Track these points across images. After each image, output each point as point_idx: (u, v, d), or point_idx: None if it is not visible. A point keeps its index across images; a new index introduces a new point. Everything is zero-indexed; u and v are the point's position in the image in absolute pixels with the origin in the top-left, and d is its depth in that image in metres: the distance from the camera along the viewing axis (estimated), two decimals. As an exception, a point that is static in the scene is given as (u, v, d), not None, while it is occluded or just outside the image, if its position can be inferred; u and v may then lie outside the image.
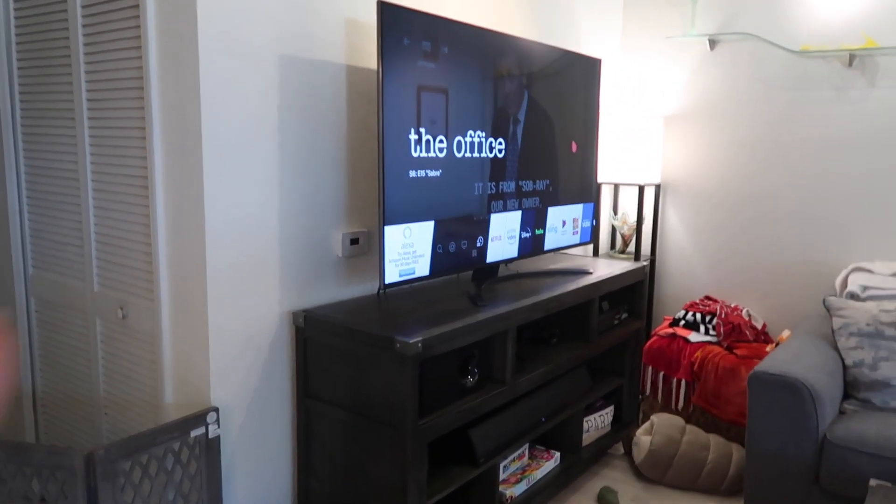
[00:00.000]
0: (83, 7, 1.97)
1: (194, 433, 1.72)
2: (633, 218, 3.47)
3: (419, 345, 1.72)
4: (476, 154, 2.18)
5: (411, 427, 1.74)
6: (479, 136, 2.18)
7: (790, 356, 2.35)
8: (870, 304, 2.47)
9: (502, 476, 2.31)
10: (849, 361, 2.40)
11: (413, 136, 1.94)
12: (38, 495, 1.57)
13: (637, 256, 3.36)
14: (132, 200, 1.94)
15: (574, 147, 2.67)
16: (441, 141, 2.04)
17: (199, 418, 1.74)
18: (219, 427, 1.79)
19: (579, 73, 2.64)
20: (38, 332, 2.37)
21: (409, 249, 1.96)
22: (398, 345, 1.71)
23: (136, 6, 1.81)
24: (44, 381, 2.38)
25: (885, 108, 2.84)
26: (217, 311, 1.79)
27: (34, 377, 2.41)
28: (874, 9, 2.80)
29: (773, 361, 2.31)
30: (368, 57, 2.12)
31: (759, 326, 3.12)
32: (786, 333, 2.96)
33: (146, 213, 1.90)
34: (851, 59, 2.86)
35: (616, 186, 3.56)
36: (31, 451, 1.52)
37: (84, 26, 1.98)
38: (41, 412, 2.42)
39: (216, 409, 1.78)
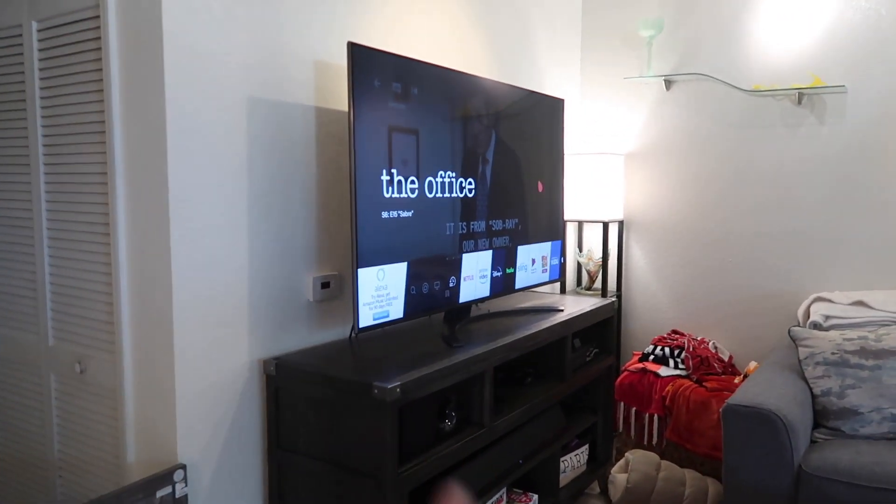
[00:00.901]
0: (40, 51, 1.91)
1: (160, 493, 1.62)
2: (598, 254, 3.50)
3: (398, 390, 1.66)
4: (447, 194, 2.17)
5: (391, 477, 1.68)
6: (449, 176, 2.17)
7: (761, 388, 2.37)
8: (833, 334, 2.52)
9: (482, 523, 2.24)
10: (817, 391, 2.43)
11: (385, 177, 1.92)
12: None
13: (604, 293, 3.38)
14: (92, 248, 1.85)
15: (541, 186, 2.69)
16: (413, 181, 2.02)
17: (166, 477, 1.64)
18: (186, 486, 1.69)
19: (544, 113, 2.68)
20: (-14, 390, 2.23)
21: (382, 292, 1.92)
22: (376, 391, 1.66)
23: (98, 49, 1.76)
24: (-9, 442, 2.23)
25: (833, 143, 2.95)
26: (184, 363, 1.71)
27: (-20, 439, 2.26)
28: (821, 49, 2.94)
29: (746, 393, 2.32)
30: (338, 98, 2.10)
31: (726, 359, 3.15)
32: (752, 365, 3.00)
33: (107, 262, 1.82)
34: (800, 97, 2.98)
35: (580, 223, 3.60)
36: (-18, 521, 1.40)
37: (41, 66, 1.91)
38: (-12, 476, 2.26)
39: (184, 467, 1.68)
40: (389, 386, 1.65)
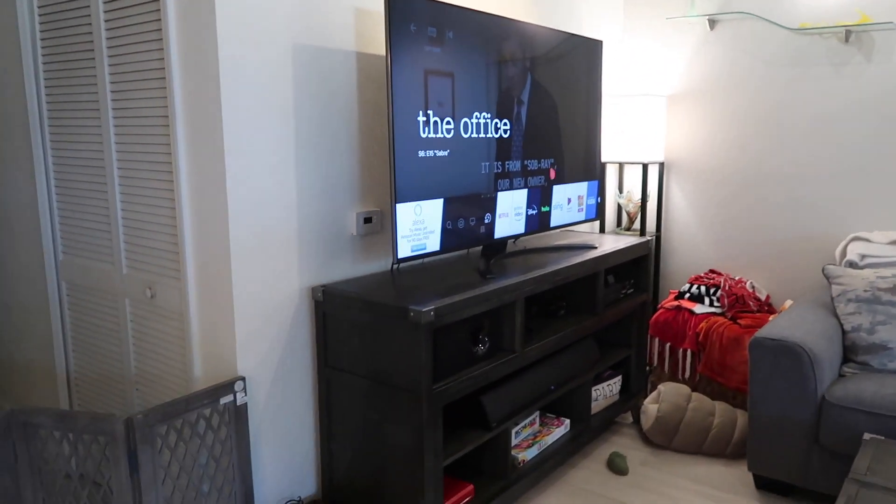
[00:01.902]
0: (105, 2, 2.08)
1: (223, 400, 1.84)
2: (637, 196, 3.55)
3: (431, 313, 1.82)
4: (482, 134, 2.27)
5: (426, 391, 1.85)
6: (484, 117, 2.27)
7: (790, 323, 2.44)
8: (867, 272, 2.55)
9: (514, 441, 2.42)
10: (847, 327, 2.48)
11: (421, 118, 2.04)
12: (77, 472, 1.69)
13: (643, 233, 3.45)
14: (157, 186, 2.05)
15: (577, 127, 2.76)
16: (448, 122, 2.13)
17: (228, 387, 1.85)
18: (246, 395, 1.90)
19: (581, 55, 2.72)
20: (70, 315, 2.50)
21: (419, 226, 2.06)
22: (412, 314, 1.82)
23: (158, 0, 1.91)
24: (76, 361, 2.51)
25: (881, 83, 2.90)
26: (241, 288, 1.91)
27: (67, 357, 2.54)
28: (869, -17, 2.86)
29: (774, 328, 2.40)
30: (376, 44, 2.21)
31: (763, 298, 3.20)
32: (788, 303, 3.04)
33: (171, 198, 2.01)
34: (847, 35, 2.92)
35: (621, 165, 3.64)
36: (76, 418, 1.64)
37: (106, 21, 2.08)
38: (74, 391, 2.55)
39: (243, 379, 1.89)
40: (424, 309, 1.80)
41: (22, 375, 2.78)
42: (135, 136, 2.09)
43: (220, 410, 1.84)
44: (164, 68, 1.93)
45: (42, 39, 2.34)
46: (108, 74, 2.12)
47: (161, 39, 1.92)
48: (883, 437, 2.01)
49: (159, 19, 1.91)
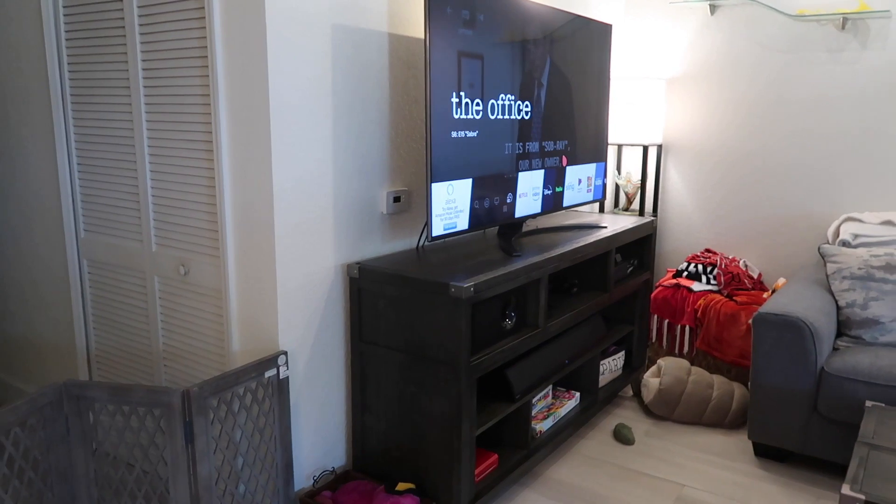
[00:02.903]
0: (138, -20, 2.07)
1: (268, 374, 1.90)
2: (636, 177, 3.66)
3: (471, 289, 1.90)
4: (506, 116, 2.33)
5: (464, 364, 1.93)
6: (509, 98, 2.33)
7: (790, 299, 2.58)
8: (861, 251, 2.70)
9: (532, 413, 2.52)
10: (842, 303, 2.63)
11: (455, 100, 2.09)
12: (131, 445, 1.73)
13: (641, 213, 3.56)
14: (194, 164, 2.07)
15: (589, 109, 2.84)
16: (478, 104, 2.19)
17: (272, 361, 1.91)
18: (288, 369, 1.96)
19: (593, 38, 2.79)
20: (92, 293, 2.51)
21: (451, 205, 2.13)
22: (452, 289, 1.89)
23: (197, -21, 1.92)
24: (97, 338, 2.53)
25: (875, 69, 3.04)
26: (283, 265, 1.95)
27: (87, 334, 2.55)
28: (866, -26, 2.98)
29: (776, 304, 2.53)
30: (406, 24, 2.25)
31: (756, 276, 3.35)
32: (781, 281, 3.20)
33: (209, 176, 2.04)
34: (844, 22, 3.05)
35: (620, 147, 3.74)
36: (131, 390, 1.68)
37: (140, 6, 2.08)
38: (95, 368, 2.57)
39: (285, 353, 1.95)
40: (465, 285, 1.88)
41: (39, 354, 2.78)
42: (168, 114, 2.10)
43: (264, 384, 1.89)
44: (205, 47, 1.95)
45: (65, 15, 2.31)
46: (139, 52, 2.12)
47: (203, 17, 1.93)
48: (884, 405, 2.16)
49: (203, 7, 1.92)
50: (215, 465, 1.77)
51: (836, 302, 2.66)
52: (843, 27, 3.06)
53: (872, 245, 2.84)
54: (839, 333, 2.66)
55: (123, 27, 2.15)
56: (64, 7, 2.31)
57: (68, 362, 2.64)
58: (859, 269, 2.63)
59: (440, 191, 2.08)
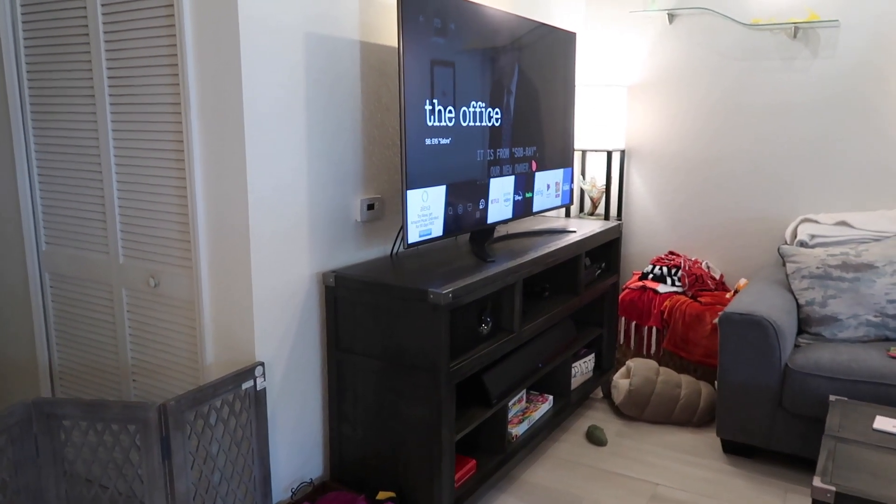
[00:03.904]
0: (102, -14, 2.03)
1: (245, 386, 1.87)
2: (601, 182, 3.73)
3: (450, 295, 1.90)
4: (478, 123, 2.36)
5: (444, 370, 1.93)
6: (480, 106, 2.35)
7: (753, 299, 2.65)
8: (818, 250, 2.80)
9: (508, 417, 2.53)
10: (802, 301, 2.73)
11: (428, 107, 2.10)
12: (105, 462, 1.68)
13: (606, 217, 3.63)
14: (163, 173, 2.03)
15: (556, 116, 2.88)
16: (450, 111, 2.20)
17: (249, 372, 1.88)
18: (264, 380, 1.93)
19: (559, 46, 2.84)
20: (54, 307, 2.43)
21: (426, 212, 2.14)
22: (431, 296, 1.90)
23: (165, -14, 1.89)
24: (61, 354, 2.45)
25: (826, 77, 3.16)
26: (259, 275, 1.93)
27: (50, 350, 2.47)
28: (816, -15, 3.11)
29: (740, 303, 2.61)
30: (378, 33, 2.25)
31: (718, 277, 3.44)
32: (743, 281, 3.29)
33: (180, 185, 2.00)
34: (796, 31, 3.16)
35: (584, 152, 3.81)
36: (107, 406, 1.63)
37: (104, 14, 2.03)
38: (59, 385, 2.48)
39: (262, 364, 1.92)
40: (443, 291, 1.88)
41: (-5, 370, 2.68)
42: (136, 123, 2.06)
43: (241, 396, 1.87)
44: (174, 55, 1.91)
45: (24, 23, 2.25)
46: (104, 60, 2.07)
47: (172, 25, 1.90)
48: (846, 398, 2.24)
49: (171, 3, 1.89)
50: (192, 481, 1.73)
51: (797, 300, 2.76)
52: (794, 36, 3.17)
53: (829, 245, 2.95)
54: (800, 331, 2.75)
55: (87, 34, 2.10)
56: (23, 13, 2.25)
57: (30, 380, 2.55)
58: (817, 268, 2.73)
59: (415, 198, 2.08)
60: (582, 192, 3.83)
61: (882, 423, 1.98)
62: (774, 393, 2.51)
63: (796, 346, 2.65)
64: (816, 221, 3.08)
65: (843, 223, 3.00)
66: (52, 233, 2.37)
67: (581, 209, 3.86)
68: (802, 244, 3.00)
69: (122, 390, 2.30)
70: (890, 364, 2.35)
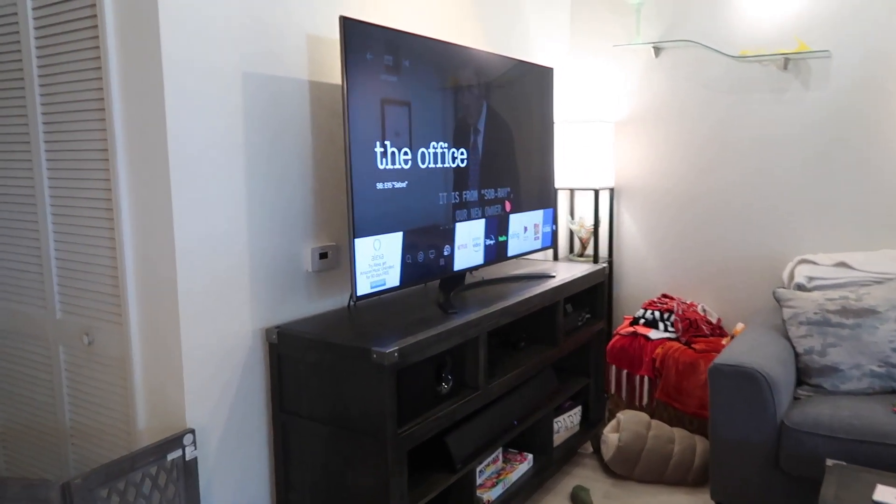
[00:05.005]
0: (36, 28, 1.94)
1: (171, 456, 1.70)
2: (589, 221, 3.57)
3: (395, 354, 1.74)
4: (439, 164, 2.22)
5: (391, 436, 1.76)
6: (441, 146, 2.22)
7: (746, 347, 2.46)
8: (816, 294, 2.60)
9: (479, 480, 2.34)
10: (800, 349, 2.52)
11: (379, 149, 1.97)
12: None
13: (595, 259, 3.45)
14: (95, 224, 1.90)
15: (532, 155, 2.74)
16: (406, 153, 2.07)
17: (176, 441, 1.71)
18: (196, 448, 1.77)
19: (534, 83, 2.71)
20: (-5, 364, 2.30)
21: (379, 261, 1.98)
22: (374, 355, 1.73)
23: (95, 27, 1.79)
24: (2, 414, 2.30)
25: (819, 108, 3.00)
26: (189, 332, 1.78)
27: (-8, 410, 2.33)
28: (806, 13, 2.97)
29: (731, 353, 2.41)
30: (330, 72, 2.14)
31: (715, 321, 3.24)
32: (740, 326, 3.09)
33: (111, 236, 1.87)
34: (786, 62, 3.02)
35: (572, 192, 3.66)
36: (6, 485, 1.47)
37: (38, 48, 1.94)
38: (0, 448, 2.33)
39: (192, 431, 1.76)
40: (388, 350, 1.72)
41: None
42: (70, 171, 1.94)
43: (167, 467, 1.70)
44: (102, 98, 1.80)
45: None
46: (39, 105, 1.97)
47: (100, 68, 1.79)
48: (845, 463, 2.02)
49: (97, 47, 1.79)
50: (106, 565, 1.56)
51: (794, 349, 2.55)
52: (784, 67, 3.03)
53: (827, 288, 2.75)
54: (800, 381, 2.54)
55: (23, 78, 2.00)
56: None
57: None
58: (815, 313, 2.53)
59: (365, 246, 1.93)
60: (571, 232, 3.67)
61: (883, 493, 1.77)
62: (770, 452, 2.29)
63: (796, 398, 2.44)
64: (814, 262, 2.88)
65: (842, 264, 2.80)
66: (-7, 286, 2.25)
67: (571, 250, 3.69)
68: (800, 287, 2.81)
69: (60, 454, 2.15)
70: (894, 421, 2.14)
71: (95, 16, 1.78)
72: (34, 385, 2.18)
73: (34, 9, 1.93)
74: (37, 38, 1.94)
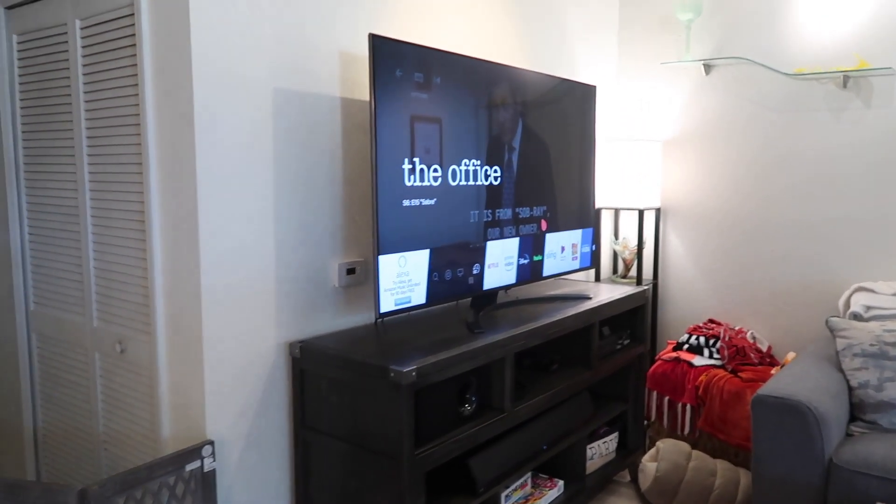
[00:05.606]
0: (83, 47, 2.02)
1: (189, 467, 1.72)
2: (633, 242, 3.47)
3: (413, 373, 1.71)
4: (471, 182, 2.19)
5: (408, 457, 1.73)
6: (474, 164, 2.19)
7: (794, 378, 2.32)
8: (873, 325, 2.45)
9: (504, 506, 2.28)
10: (854, 383, 2.37)
11: (407, 166, 1.96)
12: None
13: (639, 280, 3.35)
14: (130, 235, 1.96)
15: (570, 173, 2.69)
16: (436, 170, 2.05)
17: (195, 452, 1.73)
18: (214, 460, 1.78)
19: (575, 100, 2.66)
20: (39, 368, 2.38)
21: (404, 278, 1.97)
22: (392, 374, 1.71)
23: (133, 45, 1.85)
24: (44, 416, 2.39)
25: (881, 128, 2.84)
26: (212, 344, 1.80)
27: (35, 413, 2.42)
28: (866, 30, 2.83)
29: (777, 384, 2.28)
30: (363, 89, 2.15)
31: (765, 349, 3.09)
32: (791, 355, 2.93)
33: (143, 248, 1.92)
34: (846, 80, 2.87)
35: (616, 211, 3.57)
36: (27, 489, 1.51)
37: (84, 66, 2.02)
38: (42, 448, 2.42)
39: (211, 443, 1.77)
40: (405, 370, 1.69)
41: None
42: (109, 183, 2.01)
43: (185, 478, 1.71)
44: (139, 113, 1.86)
45: (21, 84, 2.27)
46: (84, 120, 2.05)
47: (137, 84, 1.85)
48: (897, 508, 1.88)
49: (136, 64, 1.85)
50: (121, 573, 1.58)
51: (848, 382, 2.40)
52: (844, 85, 2.88)
53: (886, 318, 2.58)
54: (853, 417, 2.38)
55: (70, 95, 2.08)
56: (20, 76, 2.27)
57: (16, 445, 2.49)
58: (871, 345, 2.38)
59: (390, 263, 1.92)
60: (614, 253, 3.57)
61: (936, 545, 1.63)
62: (817, 491, 2.15)
63: (848, 434, 2.29)
64: (873, 291, 2.71)
65: (903, 293, 2.63)
66: (40, 293, 2.34)
67: (615, 271, 3.60)
68: (856, 316, 2.64)
69: (95, 458, 2.20)
70: (955, 466, 1.98)
71: (134, 35, 1.84)
72: (72, 390, 2.25)
73: (81, 28, 2.01)
74: (83, 56, 2.02)
